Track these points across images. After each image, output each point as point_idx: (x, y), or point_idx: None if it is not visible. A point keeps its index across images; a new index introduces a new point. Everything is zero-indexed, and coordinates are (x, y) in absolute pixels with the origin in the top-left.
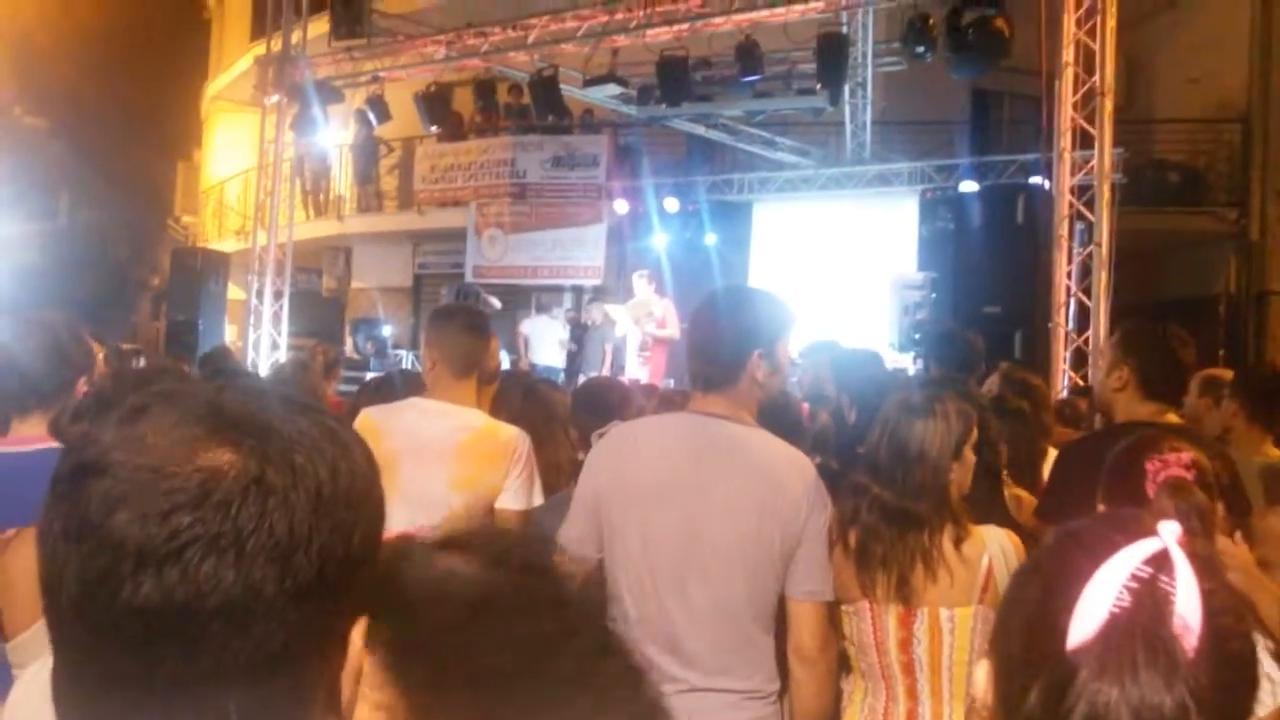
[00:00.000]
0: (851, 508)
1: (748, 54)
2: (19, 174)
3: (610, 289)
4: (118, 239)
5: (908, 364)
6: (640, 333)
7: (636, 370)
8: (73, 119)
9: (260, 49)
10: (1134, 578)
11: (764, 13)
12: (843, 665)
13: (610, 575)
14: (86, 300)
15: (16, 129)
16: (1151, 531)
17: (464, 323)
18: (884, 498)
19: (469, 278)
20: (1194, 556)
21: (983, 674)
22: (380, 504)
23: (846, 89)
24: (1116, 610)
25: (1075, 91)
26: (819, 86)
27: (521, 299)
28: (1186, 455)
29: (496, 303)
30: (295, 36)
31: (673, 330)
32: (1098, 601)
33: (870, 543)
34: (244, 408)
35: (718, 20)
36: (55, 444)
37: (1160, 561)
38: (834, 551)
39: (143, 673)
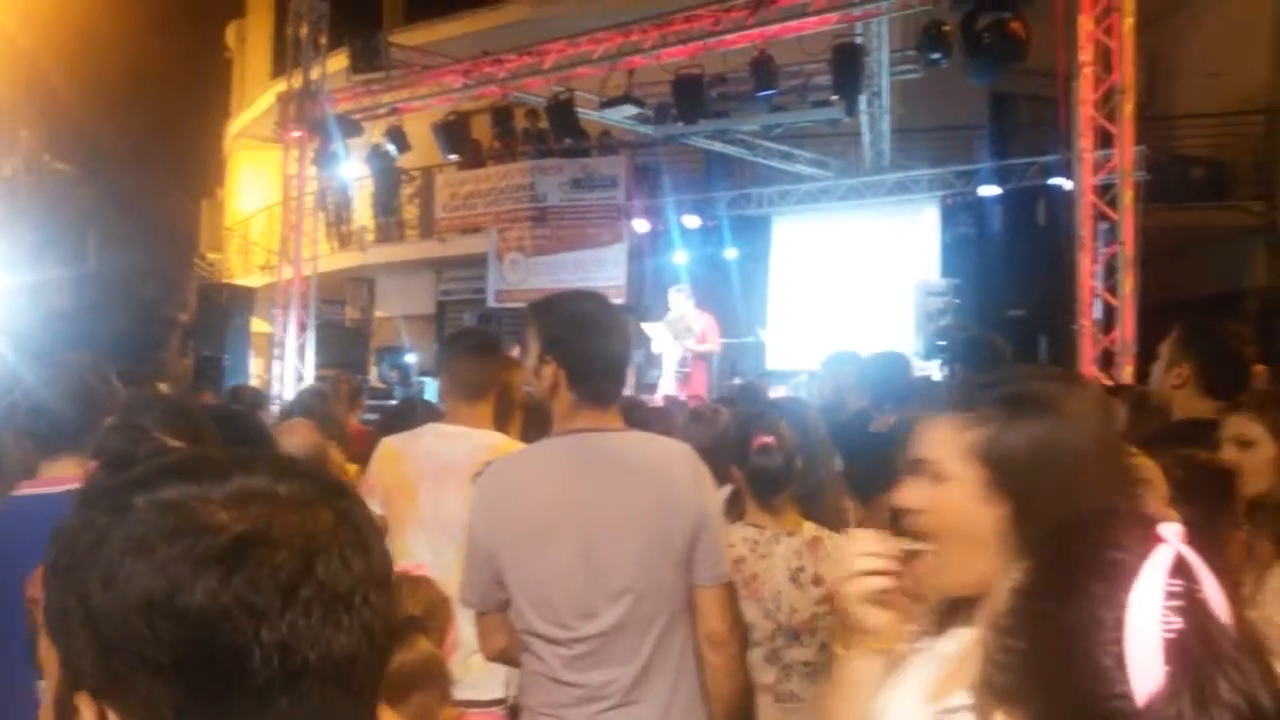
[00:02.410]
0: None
1: (762, 68)
2: (48, 219)
3: (633, 308)
4: (145, 279)
5: (934, 371)
6: (680, 349)
7: (672, 387)
8: (98, 163)
9: (281, 86)
10: (1170, 595)
11: (776, 27)
12: None
13: (517, 611)
14: (116, 340)
15: (44, 175)
16: (1151, 538)
17: (468, 346)
18: None
19: (491, 302)
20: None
21: None
22: None
23: (863, 98)
24: (1171, 636)
25: (1094, 91)
26: (835, 97)
27: None
28: None
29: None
30: (315, 73)
31: (713, 345)
32: (1149, 634)
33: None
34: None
35: (731, 37)
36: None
37: (1182, 568)
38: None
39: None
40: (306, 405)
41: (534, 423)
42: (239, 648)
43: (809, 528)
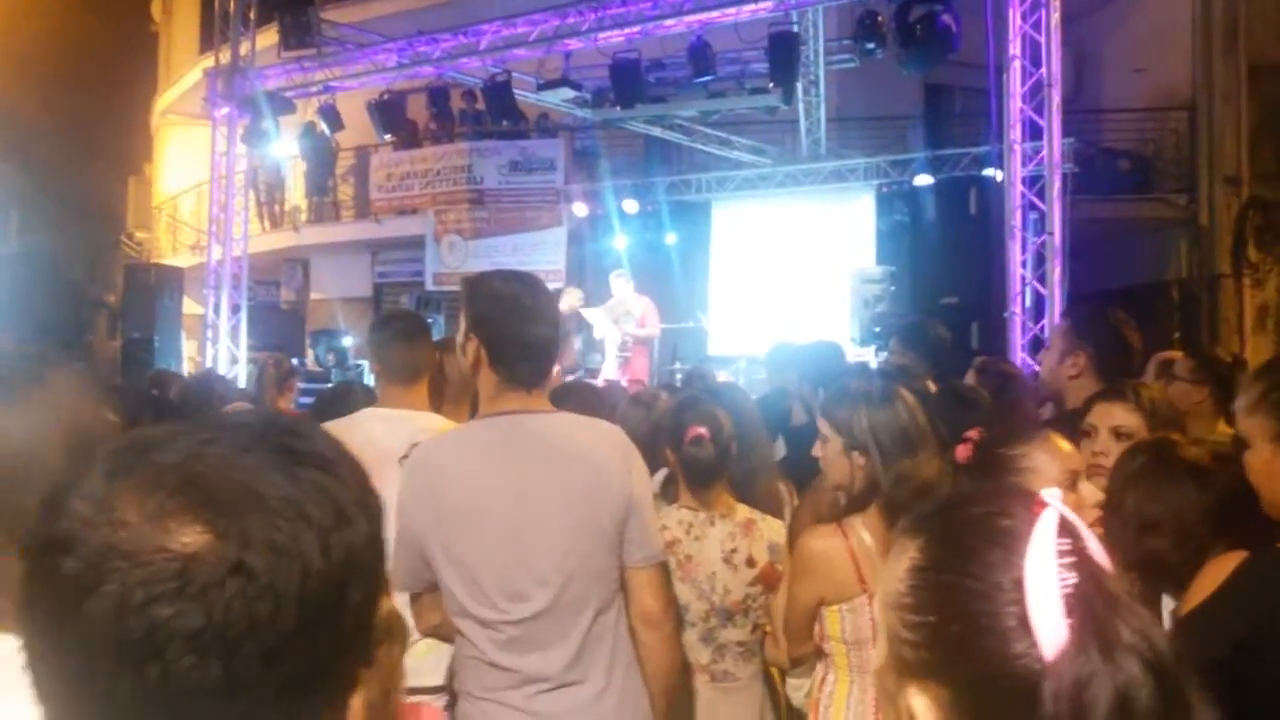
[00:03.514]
0: (837, 500)
1: (699, 54)
2: None
3: (577, 288)
4: (71, 259)
5: (869, 357)
6: (620, 333)
7: (613, 372)
8: (19, 138)
9: (209, 61)
10: (1061, 553)
11: (714, 13)
12: (821, 662)
13: (448, 593)
14: (42, 323)
15: None
16: (1034, 503)
17: (396, 330)
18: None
19: (429, 285)
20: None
21: (922, 705)
22: (379, 565)
23: (800, 87)
24: (1069, 590)
25: (1023, 84)
26: (772, 85)
27: None
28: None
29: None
30: (244, 48)
31: (653, 329)
32: (1047, 592)
33: (867, 534)
34: (222, 473)
35: (669, 22)
36: None
37: (1067, 528)
38: (833, 549)
39: None
40: (206, 389)
41: None
42: None
43: (742, 510)
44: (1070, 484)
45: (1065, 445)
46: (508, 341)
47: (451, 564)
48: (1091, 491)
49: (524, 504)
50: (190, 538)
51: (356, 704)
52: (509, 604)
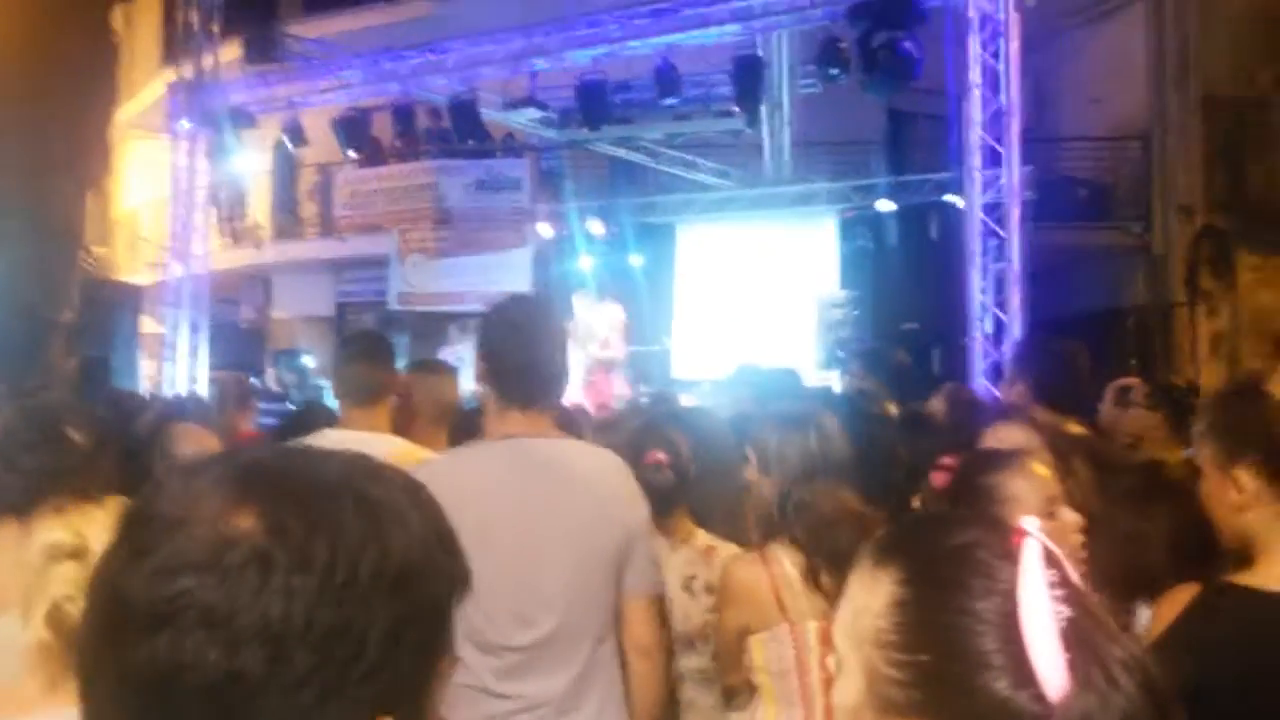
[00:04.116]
0: (768, 527)
1: (665, 76)
2: None
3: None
4: (26, 274)
5: (833, 381)
6: (585, 356)
7: (578, 395)
8: None
9: (171, 75)
10: (1052, 584)
11: (679, 36)
12: (744, 694)
13: None
14: None
15: None
16: (1013, 533)
17: (357, 351)
18: (797, 515)
19: (393, 305)
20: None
21: None
22: (433, 596)
23: (764, 111)
24: (1064, 624)
25: (983, 111)
26: (737, 108)
27: (436, 326)
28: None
29: None
30: (207, 62)
31: (617, 350)
32: (1044, 626)
33: (789, 561)
34: (294, 475)
35: (634, 44)
36: None
37: (1051, 558)
38: (754, 577)
39: None
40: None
41: (459, 430)
42: None
43: (702, 537)
44: (1049, 511)
45: (1044, 471)
46: (498, 361)
47: None
48: (1075, 517)
49: (530, 528)
50: (236, 520)
51: None
52: (513, 630)
